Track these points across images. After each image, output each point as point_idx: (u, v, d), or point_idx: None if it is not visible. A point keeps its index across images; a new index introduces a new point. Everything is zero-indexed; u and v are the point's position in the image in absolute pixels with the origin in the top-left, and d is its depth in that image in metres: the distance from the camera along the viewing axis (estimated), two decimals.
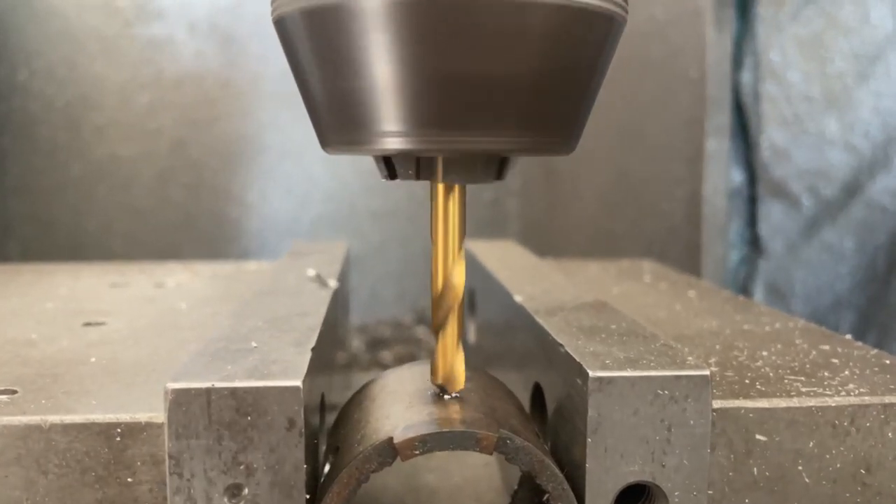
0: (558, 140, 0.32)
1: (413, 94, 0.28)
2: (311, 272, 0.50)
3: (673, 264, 0.77)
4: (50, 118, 1.03)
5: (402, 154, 0.31)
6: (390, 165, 0.33)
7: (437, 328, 0.34)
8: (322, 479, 0.33)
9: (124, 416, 0.30)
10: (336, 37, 0.29)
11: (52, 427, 0.30)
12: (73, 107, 1.04)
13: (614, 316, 0.41)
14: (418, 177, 0.32)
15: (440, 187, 0.33)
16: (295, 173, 1.09)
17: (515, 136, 0.30)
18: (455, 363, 0.34)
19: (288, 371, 0.31)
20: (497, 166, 0.33)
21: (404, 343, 1.01)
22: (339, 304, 0.52)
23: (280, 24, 0.31)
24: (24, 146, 1.03)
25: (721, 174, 0.88)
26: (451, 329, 0.34)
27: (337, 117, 0.31)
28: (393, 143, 0.30)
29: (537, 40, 0.28)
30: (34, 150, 1.04)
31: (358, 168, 1.09)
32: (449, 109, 0.29)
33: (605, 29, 0.30)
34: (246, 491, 0.29)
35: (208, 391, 0.29)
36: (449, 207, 0.33)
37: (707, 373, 0.31)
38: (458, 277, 0.33)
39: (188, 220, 1.08)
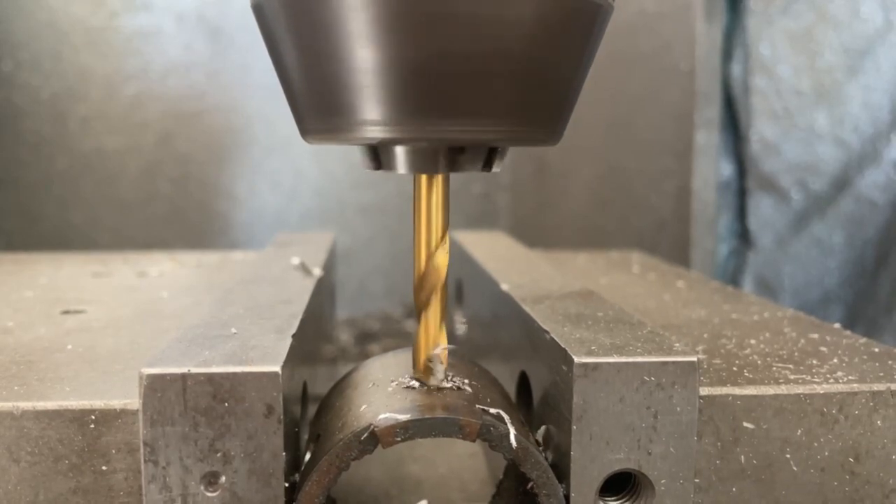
0: (544, 130, 0.31)
1: (396, 81, 0.28)
2: (296, 260, 0.49)
3: (662, 258, 0.77)
4: (35, 110, 1.02)
5: (385, 143, 0.30)
6: (374, 154, 0.32)
7: (420, 308, 0.33)
8: (302, 468, 0.33)
9: (98, 403, 0.30)
10: (317, 22, 0.28)
11: (24, 414, 0.29)
12: (59, 99, 1.03)
13: (601, 304, 0.40)
14: (402, 167, 0.31)
15: (423, 176, 0.32)
16: (283, 167, 1.08)
17: (500, 125, 0.29)
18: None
19: (267, 357, 0.30)
20: (484, 156, 0.32)
21: (393, 337, 1.00)
22: (324, 294, 0.51)
23: (258, 10, 0.30)
24: (9, 139, 1.02)
25: (710, 167, 0.87)
26: (435, 312, 0.33)
27: (318, 105, 0.30)
28: (375, 132, 0.29)
29: (523, 27, 0.28)
30: (19, 143, 1.02)
31: (347, 162, 1.08)
32: (433, 97, 0.28)
33: (592, 17, 0.30)
34: (223, 479, 0.29)
35: (184, 377, 0.28)
36: (432, 197, 0.33)
37: (694, 359, 0.31)
38: (442, 258, 0.33)
39: (175, 213, 1.07)
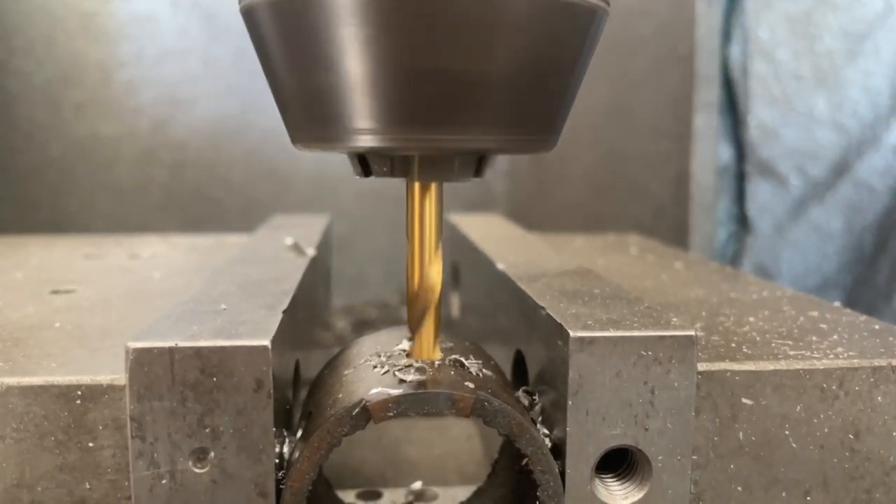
0: (538, 138, 0.31)
1: (387, 89, 0.27)
2: (289, 241, 0.49)
3: (661, 242, 0.76)
4: (29, 96, 1.01)
5: (376, 152, 0.30)
6: (364, 163, 0.31)
7: (413, 327, 0.33)
8: (293, 445, 0.32)
9: (84, 379, 0.29)
10: (307, 29, 0.27)
11: (9, 389, 0.29)
12: (53, 84, 1.02)
13: (598, 281, 0.40)
14: (393, 174, 0.31)
15: (416, 185, 0.32)
16: (279, 153, 1.07)
17: (493, 133, 0.29)
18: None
19: (256, 331, 0.29)
20: (475, 164, 0.32)
21: (390, 324, 0.99)
22: (318, 275, 0.51)
23: (248, 15, 0.30)
24: (2, 125, 1.01)
25: (709, 151, 0.87)
26: (428, 329, 0.33)
27: (308, 113, 0.30)
28: (366, 141, 0.28)
29: (516, 34, 0.27)
30: (13, 129, 1.01)
31: None
32: (424, 105, 0.27)
33: (587, 22, 0.29)
34: (212, 455, 0.28)
35: (171, 350, 0.28)
36: (425, 206, 0.32)
37: (692, 333, 0.30)
38: (436, 276, 0.32)
39: (171, 200, 1.06)
